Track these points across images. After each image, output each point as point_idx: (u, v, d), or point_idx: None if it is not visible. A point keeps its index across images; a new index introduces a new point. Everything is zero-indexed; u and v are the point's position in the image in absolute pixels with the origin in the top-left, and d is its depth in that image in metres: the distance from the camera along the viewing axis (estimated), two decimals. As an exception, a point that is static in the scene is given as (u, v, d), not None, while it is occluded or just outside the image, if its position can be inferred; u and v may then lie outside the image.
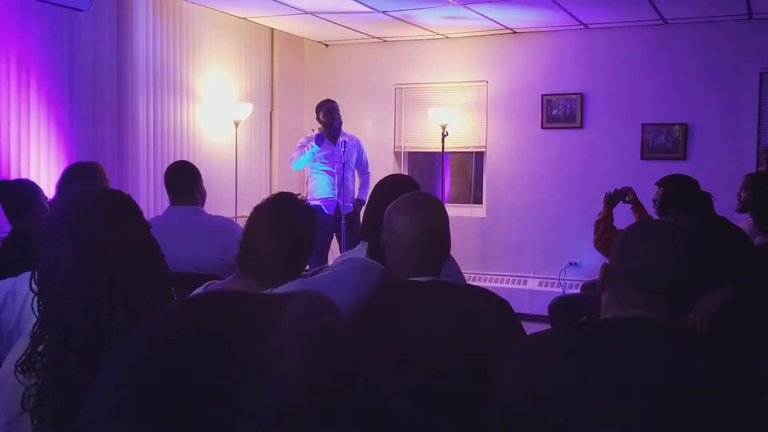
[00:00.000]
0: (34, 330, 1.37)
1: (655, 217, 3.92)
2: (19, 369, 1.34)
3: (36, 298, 1.38)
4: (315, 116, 6.05)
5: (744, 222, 3.87)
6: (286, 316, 0.52)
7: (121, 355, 0.52)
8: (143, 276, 1.40)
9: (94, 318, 1.33)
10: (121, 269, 1.37)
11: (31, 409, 1.31)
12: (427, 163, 7.64)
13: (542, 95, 6.81)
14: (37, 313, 1.39)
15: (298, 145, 6.04)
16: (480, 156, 7.30)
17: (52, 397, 1.31)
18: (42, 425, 1.31)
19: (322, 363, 0.50)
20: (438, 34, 6.97)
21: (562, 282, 6.69)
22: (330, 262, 4.24)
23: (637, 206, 4.48)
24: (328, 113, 5.90)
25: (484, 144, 7.12)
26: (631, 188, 4.49)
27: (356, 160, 6.05)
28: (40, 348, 1.35)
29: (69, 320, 1.34)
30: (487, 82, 7.04)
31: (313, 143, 5.84)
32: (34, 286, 1.38)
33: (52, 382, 1.31)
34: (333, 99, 6.12)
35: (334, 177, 5.89)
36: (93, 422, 0.50)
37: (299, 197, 2.16)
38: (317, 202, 5.79)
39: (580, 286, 5.74)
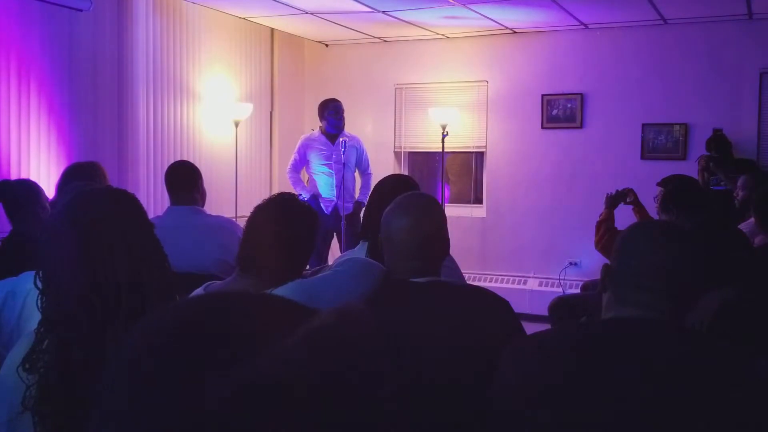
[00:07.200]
0: (38, 327, 1.37)
1: (656, 217, 3.92)
2: (24, 367, 1.34)
3: (40, 296, 1.38)
4: (317, 115, 6.01)
5: (744, 222, 3.88)
6: (286, 321, 0.52)
7: (121, 359, 0.52)
8: (146, 275, 1.40)
9: (97, 316, 1.33)
10: (124, 268, 1.37)
11: (32, 406, 1.31)
12: (427, 163, 7.64)
13: (542, 95, 6.81)
14: (40, 311, 1.39)
15: (296, 149, 6.01)
16: (480, 156, 7.30)
17: (53, 394, 1.31)
18: (43, 424, 1.31)
19: (319, 363, 0.50)
20: (438, 34, 6.97)
21: (562, 282, 6.68)
22: (330, 262, 4.23)
23: (638, 207, 4.48)
24: (336, 112, 5.86)
25: (484, 144, 7.12)
26: (632, 189, 4.49)
27: (357, 159, 6.00)
28: (43, 345, 1.35)
29: (72, 318, 1.34)
30: (487, 82, 7.04)
31: (305, 195, 5.71)
32: (38, 283, 1.38)
33: (54, 380, 1.31)
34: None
35: (333, 177, 5.87)
36: (103, 423, 0.50)
37: (299, 197, 2.16)
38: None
39: (580, 286, 5.74)
